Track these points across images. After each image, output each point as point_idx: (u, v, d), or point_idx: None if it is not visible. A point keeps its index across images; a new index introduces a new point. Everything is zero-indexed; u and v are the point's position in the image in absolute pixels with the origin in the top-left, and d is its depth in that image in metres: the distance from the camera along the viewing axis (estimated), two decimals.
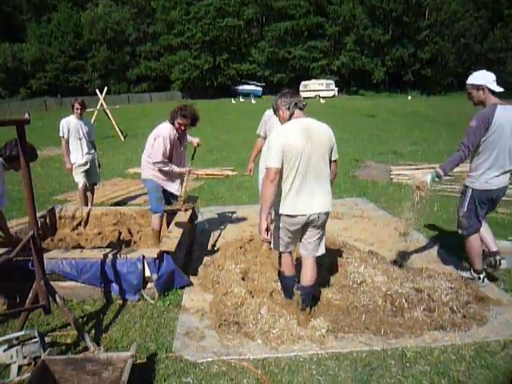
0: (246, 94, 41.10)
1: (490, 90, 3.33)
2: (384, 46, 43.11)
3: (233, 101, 37.08)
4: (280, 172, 2.86)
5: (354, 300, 3.39)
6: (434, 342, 2.92)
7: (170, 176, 4.31)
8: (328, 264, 3.93)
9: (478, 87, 3.36)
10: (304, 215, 2.92)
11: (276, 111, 3.10)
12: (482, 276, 3.69)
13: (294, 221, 2.96)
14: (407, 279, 3.70)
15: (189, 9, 45.82)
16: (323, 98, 37.17)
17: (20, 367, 2.63)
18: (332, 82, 41.05)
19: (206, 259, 4.36)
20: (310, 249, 3.13)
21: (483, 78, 3.35)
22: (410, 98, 38.36)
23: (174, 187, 4.37)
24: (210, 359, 2.78)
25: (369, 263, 4.07)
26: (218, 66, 46.21)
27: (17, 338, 2.66)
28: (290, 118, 2.98)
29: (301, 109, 3.00)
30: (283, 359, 2.78)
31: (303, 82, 40.83)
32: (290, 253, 3.24)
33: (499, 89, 3.32)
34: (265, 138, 4.29)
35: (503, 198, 3.76)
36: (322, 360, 2.77)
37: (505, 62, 36.80)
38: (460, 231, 3.71)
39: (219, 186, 7.74)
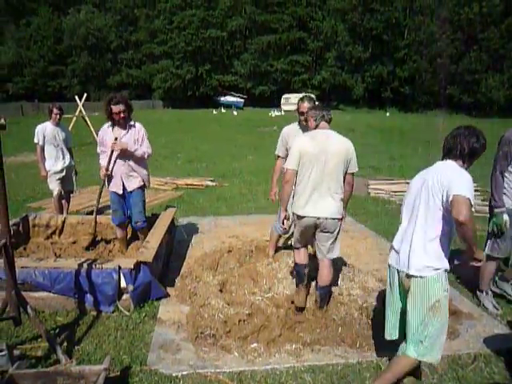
0: (228, 105, 41.26)
1: None
2: (364, 62, 44.08)
3: (214, 112, 37.14)
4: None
5: (331, 313, 3.42)
6: None
7: (109, 175, 4.29)
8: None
9: None
10: (312, 217, 3.20)
11: (306, 121, 3.47)
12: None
13: (303, 221, 3.24)
14: (383, 292, 3.75)
15: (172, 18, 45.90)
16: None
17: None
18: (313, 96, 41.62)
19: (184, 270, 4.31)
20: (324, 252, 3.36)
21: None
22: (388, 114, 39.22)
23: (114, 186, 4.30)
24: (185, 372, 2.74)
25: (346, 276, 4.12)
26: (200, 77, 46.30)
27: None
28: (315, 128, 3.29)
29: (327, 121, 3.29)
30: (259, 372, 2.77)
31: (284, 96, 41.24)
32: (304, 247, 3.50)
33: None
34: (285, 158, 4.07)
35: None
36: (298, 373, 2.78)
37: (479, 83, 38.19)
38: (496, 254, 3.60)
39: (199, 197, 7.71)
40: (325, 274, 3.40)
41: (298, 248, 3.51)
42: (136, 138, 4.24)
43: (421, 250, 2.35)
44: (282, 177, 3.28)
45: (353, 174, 3.31)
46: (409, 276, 2.38)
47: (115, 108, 4.06)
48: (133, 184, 4.29)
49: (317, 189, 3.16)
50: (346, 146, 3.24)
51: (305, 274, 3.49)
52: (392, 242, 2.60)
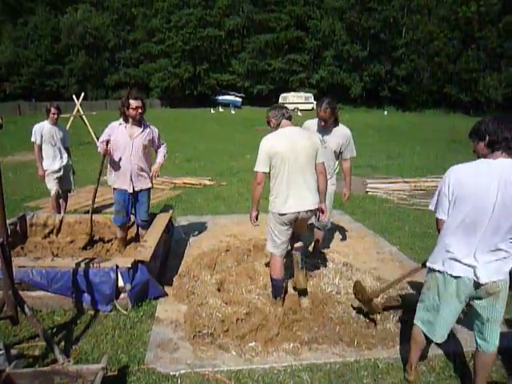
0: (226, 104, 41.24)
1: None
2: (362, 61, 44.09)
3: (212, 111, 37.10)
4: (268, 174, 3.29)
5: (329, 311, 3.42)
6: (406, 353, 2.96)
7: (118, 173, 4.24)
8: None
9: None
10: (293, 213, 3.25)
11: (268, 123, 3.44)
12: None
13: (284, 218, 3.27)
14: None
15: (170, 17, 45.81)
16: (302, 110, 37.66)
17: None
18: (311, 95, 41.65)
19: (182, 269, 4.31)
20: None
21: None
22: (386, 113, 39.26)
23: (123, 184, 4.26)
24: (183, 371, 2.74)
25: (343, 275, 4.13)
26: (197, 76, 46.26)
27: None
28: (277, 127, 3.34)
29: (287, 119, 3.35)
30: (257, 371, 2.77)
31: (282, 95, 41.25)
32: (281, 256, 3.45)
33: None
34: None
35: None
36: (296, 371, 2.78)
37: (476, 82, 38.26)
38: None
39: (196, 196, 7.71)
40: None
41: (274, 255, 3.44)
42: (151, 137, 4.31)
43: (503, 258, 2.30)
44: (254, 179, 3.33)
45: (323, 163, 3.37)
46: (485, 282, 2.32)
47: (134, 103, 4.05)
48: (142, 184, 4.32)
49: (293, 185, 3.22)
50: (312, 138, 3.34)
51: (282, 287, 3.54)
52: (449, 251, 2.35)
